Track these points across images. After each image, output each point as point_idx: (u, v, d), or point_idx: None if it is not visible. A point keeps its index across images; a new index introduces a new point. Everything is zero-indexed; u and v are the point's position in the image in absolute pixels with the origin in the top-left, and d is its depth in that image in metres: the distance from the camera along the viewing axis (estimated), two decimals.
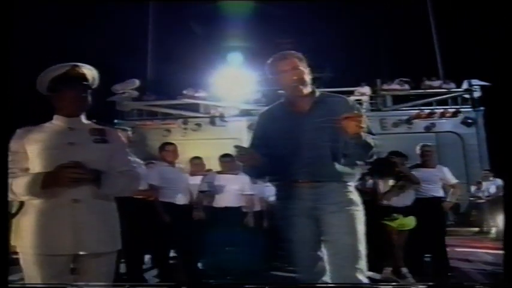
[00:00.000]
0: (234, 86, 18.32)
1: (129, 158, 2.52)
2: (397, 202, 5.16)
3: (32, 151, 2.16)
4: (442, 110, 19.03)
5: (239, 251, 5.91)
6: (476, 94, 19.19)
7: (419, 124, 18.93)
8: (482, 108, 18.90)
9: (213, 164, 18.20)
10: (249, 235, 5.96)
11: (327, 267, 2.68)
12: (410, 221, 5.19)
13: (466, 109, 19.07)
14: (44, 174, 2.11)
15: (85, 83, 2.34)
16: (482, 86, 18.87)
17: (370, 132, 2.72)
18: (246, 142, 15.93)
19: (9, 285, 2.06)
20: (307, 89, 2.82)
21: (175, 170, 5.54)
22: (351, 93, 19.83)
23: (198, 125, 18.57)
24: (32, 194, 2.09)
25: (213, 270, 5.78)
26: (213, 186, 5.82)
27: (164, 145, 5.67)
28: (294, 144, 2.76)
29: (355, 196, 2.77)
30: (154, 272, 5.32)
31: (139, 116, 18.80)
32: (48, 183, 2.11)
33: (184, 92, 18.76)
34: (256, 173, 3.10)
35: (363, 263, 2.61)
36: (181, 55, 19.20)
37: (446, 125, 18.90)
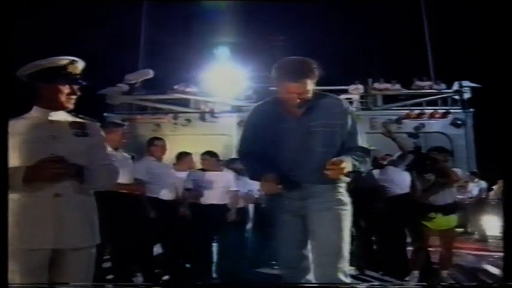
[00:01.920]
0: (225, 82, 18.29)
1: (108, 151, 2.49)
2: (437, 200, 4.92)
3: (12, 144, 2.11)
4: (431, 111, 19.14)
5: (224, 248, 5.89)
6: (467, 95, 19.33)
7: (409, 124, 19.00)
8: (471, 109, 19.03)
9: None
10: (234, 232, 5.95)
11: (311, 265, 2.67)
12: (451, 220, 4.97)
13: (456, 110, 19.19)
14: (26, 168, 2.08)
15: (80, 80, 2.35)
16: (472, 88, 19.00)
17: (364, 150, 2.73)
18: (236, 138, 15.97)
19: (9, 285, 2.04)
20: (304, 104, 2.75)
21: (162, 165, 5.50)
22: (345, 91, 19.95)
23: (188, 120, 18.49)
24: (13, 188, 2.05)
25: (199, 267, 5.74)
26: (198, 183, 5.79)
27: (153, 140, 5.62)
28: (284, 146, 2.74)
29: (344, 197, 2.76)
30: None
31: (129, 109, 18.67)
32: (30, 178, 2.08)
33: (175, 87, 18.68)
34: (251, 176, 3.04)
35: (345, 263, 2.62)
36: (173, 50, 19.15)
37: (435, 125, 18.98)
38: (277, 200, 2.74)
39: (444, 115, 19.00)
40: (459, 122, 18.90)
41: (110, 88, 17.72)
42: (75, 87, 2.33)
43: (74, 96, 2.33)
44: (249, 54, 18.91)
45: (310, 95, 2.70)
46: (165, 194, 5.37)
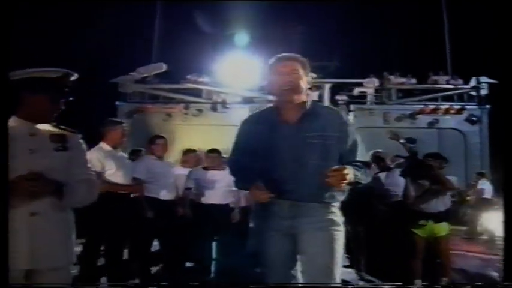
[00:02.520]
0: (238, 72, 18.16)
1: (88, 165, 2.43)
2: (429, 207, 4.92)
3: None
4: (447, 106, 18.83)
5: (226, 248, 5.86)
6: (483, 92, 18.97)
7: (423, 119, 18.73)
8: (487, 106, 18.69)
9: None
10: (236, 231, 5.90)
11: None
12: (442, 228, 4.96)
13: (471, 106, 18.86)
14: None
15: (69, 94, 2.27)
16: (490, 84, 18.62)
17: (363, 164, 2.69)
18: None
19: (10, 285, 1.99)
20: (299, 98, 2.66)
21: (163, 164, 5.45)
22: (359, 84, 19.75)
23: (200, 110, 18.46)
24: None
25: (200, 267, 5.73)
26: (200, 182, 5.74)
27: (154, 138, 5.56)
28: (277, 157, 2.64)
29: (337, 217, 2.67)
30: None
31: (141, 98, 18.69)
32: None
33: (188, 76, 18.66)
34: (239, 184, 2.97)
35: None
36: (186, 40, 19.08)
37: (449, 121, 18.67)
38: (267, 216, 2.65)
39: (459, 111, 18.67)
40: (474, 118, 18.57)
41: (122, 77, 17.74)
42: (62, 101, 2.25)
43: (58, 111, 2.27)
44: (264, 45, 18.76)
45: (302, 85, 2.66)
46: (165, 194, 5.32)
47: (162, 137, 5.64)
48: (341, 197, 2.73)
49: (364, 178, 2.70)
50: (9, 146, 2.05)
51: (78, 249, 2.50)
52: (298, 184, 2.58)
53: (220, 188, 5.76)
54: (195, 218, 5.65)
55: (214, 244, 5.92)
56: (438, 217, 4.94)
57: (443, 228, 4.97)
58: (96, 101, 16.90)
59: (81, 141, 2.43)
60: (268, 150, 2.65)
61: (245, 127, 2.87)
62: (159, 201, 5.18)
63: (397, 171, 5.95)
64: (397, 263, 5.21)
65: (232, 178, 5.70)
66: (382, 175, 6.10)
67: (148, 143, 5.58)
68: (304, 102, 2.68)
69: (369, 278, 5.59)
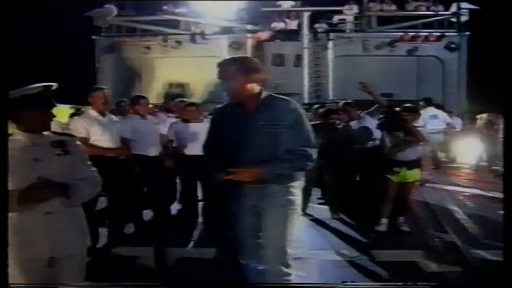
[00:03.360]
0: (216, 3, 17.79)
1: (88, 163, 2.62)
2: (402, 156, 5.26)
3: None
4: (426, 34, 18.84)
5: (208, 191, 6.11)
6: (464, 18, 18.93)
7: (402, 47, 18.77)
8: (467, 33, 18.74)
9: (196, 86, 18.08)
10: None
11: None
12: (414, 174, 5.31)
13: (451, 33, 18.90)
14: (18, 193, 2.22)
15: (53, 103, 2.43)
16: (470, 10, 18.55)
17: (308, 154, 2.86)
18: None
19: (10, 285, 2.19)
20: (245, 95, 2.84)
21: (147, 123, 5.59)
22: (339, 12, 19.52)
23: (178, 42, 18.20)
24: (12, 210, 2.21)
25: (187, 208, 6.02)
26: (180, 135, 5.90)
27: (137, 98, 5.65)
28: (238, 144, 2.86)
29: (295, 196, 2.93)
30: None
31: (118, 32, 18.33)
32: (23, 201, 2.23)
33: (164, 7, 18.18)
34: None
35: (286, 257, 2.84)
36: None
37: (428, 49, 18.72)
38: (238, 197, 2.93)
39: (439, 38, 18.70)
40: (453, 45, 18.66)
41: (98, 9, 17.28)
42: (50, 110, 2.41)
43: (50, 119, 2.44)
44: None
45: (239, 89, 2.82)
46: (152, 150, 5.52)
47: (144, 97, 5.75)
48: (299, 179, 3.00)
49: (296, 170, 2.92)
50: (17, 158, 2.26)
51: None
52: (255, 167, 2.81)
53: (201, 139, 5.91)
54: (180, 168, 5.88)
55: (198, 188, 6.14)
56: (411, 164, 5.30)
57: (415, 174, 5.35)
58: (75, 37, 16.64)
59: (79, 143, 2.63)
60: (231, 138, 2.91)
61: (215, 117, 3.16)
62: (147, 158, 5.39)
63: (367, 117, 6.17)
64: (368, 204, 5.62)
65: None
66: (353, 123, 6.32)
67: (131, 103, 5.67)
68: (258, 94, 2.86)
69: (342, 216, 5.97)
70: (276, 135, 2.77)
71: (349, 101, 6.58)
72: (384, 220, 5.35)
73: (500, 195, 6.77)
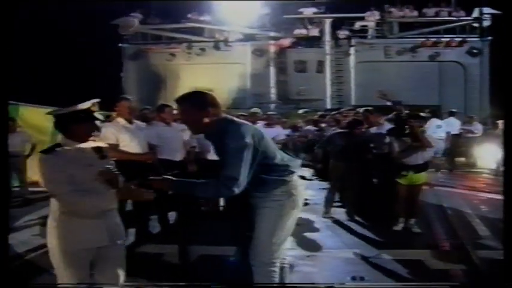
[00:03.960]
0: (239, 10, 18.17)
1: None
2: (410, 161, 5.54)
3: (53, 177, 2.58)
4: (448, 39, 18.89)
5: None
6: (486, 23, 18.93)
7: (424, 53, 18.88)
8: (489, 38, 18.72)
9: (220, 92, 18.43)
10: None
11: None
12: (420, 177, 5.60)
13: (473, 39, 18.91)
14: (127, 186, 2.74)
15: (98, 118, 2.77)
16: (493, 15, 18.53)
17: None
18: (249, 67, 16.39)
19: (9, 285, 2.52)
20: (200, 126, 3.00)
21: (171, 130, 5.94)
22: (360, 18, 19.73)
23: (202, 49, 18.67)
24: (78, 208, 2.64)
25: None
26: (202, 141, 6.21)
27: (162, 107, 6.00)
28: None
29: (276, 200, 3.12)
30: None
31: (144, 39, 18.88)
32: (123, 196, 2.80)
33: (189, 15, 18.67)
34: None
35: (265, 254, 3.09)
36: None
37: (450, 54, 18.78)
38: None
39: (460, 44, 18.75)
40: (475, 50, 18.67)
41: (123, 18, 17.84)
42: (97, 123, 2.76)
43: (96, 132, 2.79)
44: None
45: (194, 123, 3.01)
46: (176, 155, 5.87)
47: (169, 106, 6.08)
48: (274, 184, 3.14)
49: (204, 194, 3.27)
50: (69, 165, 2.57)
51: None
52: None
53: None
54: (202, 171, 6.18)
55: None
56: (417, 168, 5.55)
57: (421, 177, 5.62)
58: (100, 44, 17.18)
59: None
60: None
61: None
62: (172, 162, 5.71)
63: (387, 124, 6.39)
64: (382, 207, 5.87)
65: None
66: (373, 129, 6.54)
67: (157, 111, 6.02)
68: (210, 123, 2.96)
69: (358, 218, 6.21)
70: (222, 157, 2.99)
71: (369, 108, 6.80)
72: (401, 220, 5.60)
73: None
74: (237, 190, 2.85)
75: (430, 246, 4.80)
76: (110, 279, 2.77)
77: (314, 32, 19.39)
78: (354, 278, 3.89)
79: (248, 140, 2.87)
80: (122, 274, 2.81)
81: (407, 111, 5.92)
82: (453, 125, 11.94)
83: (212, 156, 6.13)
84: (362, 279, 3.87)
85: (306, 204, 5.90)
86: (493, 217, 5.99)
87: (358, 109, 7.60)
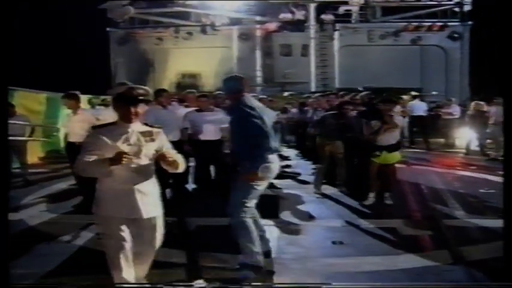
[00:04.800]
0: None
1: (170, 146, 3.24)
2: (382, 141, 5.95)
3: (100, 142, 2.80)
4: (429, 24, 19.39)
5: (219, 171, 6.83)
6: (466, 8, 19.43)
7: (406, 37, 19.35)
8: (469, 22, 19.24)
9: (207, 76, 18.61)
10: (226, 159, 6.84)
11: None
12: (393, 156, 6.03)
13: (454, 23, 19.42)
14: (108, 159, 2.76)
15: (139, 99, 2.90)
16: (473, 0, 19.04)
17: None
18: (235, 50, 16.80)
19: (11, 285, 2.56)
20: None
21: (168, 112, 6.34)
22: (345, 2, 20.08)
23: (189, 33, 18.91)
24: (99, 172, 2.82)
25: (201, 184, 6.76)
26: (195, 123, 6.61)
27: (159, 91, 6.44)
28: None
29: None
30: None
31: (131, 24, 19.05)
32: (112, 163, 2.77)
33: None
34: None
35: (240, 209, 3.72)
36: None
37: (432, 38, 19.30)
38: None
39: (442, 28, 19.26)
40: (456, 35, 19.19)
41: (111, 2, 17.98)
42: (134, 107, 2.87)
43: (137, 115, 2.91)
44: None
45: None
46: (173, 136, 6.26)
47: (165, 90, 6.55)
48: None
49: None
50: (112, 137, 2.82)
51: None
52: None
53: (212, 126, 6.63)
54: (195, 151, 6.57)
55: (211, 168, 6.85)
56: (390, 148, 6.05)
57: (395, 156, 6.11)
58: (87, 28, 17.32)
59: (162, 131, 3.15)
60: None
61: None
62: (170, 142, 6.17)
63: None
64: (361, 183, 6.39)
65: (222, 117, 6.64)
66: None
67: (154, 96, 6.41)
68: None
69: (344, 189, 6.73)
70: None
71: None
72: (371, 195, 6.08)
73: (485, 176, 7.58)
74: None
75: (402, 216, 5.27)
76: (144, 249, 3.03)
77: (299, 16, 19.71)
78: (334, 242, 4.38)
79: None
80: (156, 245, 3.06)
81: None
82: (419, 108, 12.57)
83: (205, 136, 6.58)
84: (341, 243, 4.37)
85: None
86: (463, 192, 6.52)
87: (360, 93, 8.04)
